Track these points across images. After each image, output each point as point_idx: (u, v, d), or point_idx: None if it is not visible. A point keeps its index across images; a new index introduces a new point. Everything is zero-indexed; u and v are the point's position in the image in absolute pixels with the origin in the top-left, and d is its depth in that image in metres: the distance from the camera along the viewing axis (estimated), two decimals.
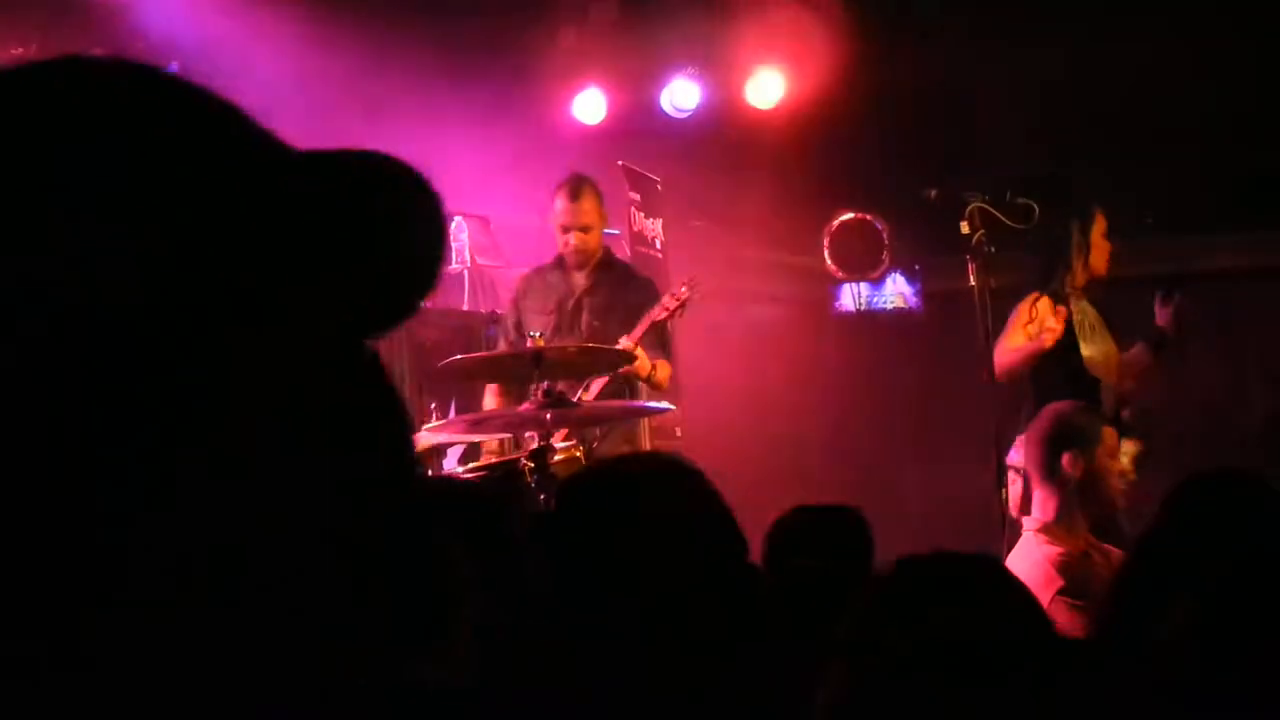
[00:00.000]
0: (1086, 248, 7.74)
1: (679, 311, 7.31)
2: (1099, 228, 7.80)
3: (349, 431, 0.94)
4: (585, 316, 7.53)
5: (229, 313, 0.91)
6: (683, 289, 7.32)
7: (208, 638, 0.88)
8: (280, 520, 0.90)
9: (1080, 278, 7.74)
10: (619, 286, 7.68)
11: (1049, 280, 7.65)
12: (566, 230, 7.60)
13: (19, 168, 0.90)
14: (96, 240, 0.89)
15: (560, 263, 7.74)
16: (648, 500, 2.68)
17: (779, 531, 4.62)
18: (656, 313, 7.24)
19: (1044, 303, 7.56)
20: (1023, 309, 7.60)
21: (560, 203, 7.64)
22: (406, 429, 1.01)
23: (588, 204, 7.64)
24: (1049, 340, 7.44)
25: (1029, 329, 7.54)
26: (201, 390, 0.89)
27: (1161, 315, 7.93)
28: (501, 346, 7.59)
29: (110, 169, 0.92)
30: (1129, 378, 7.82)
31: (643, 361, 7.11)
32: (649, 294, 7.66)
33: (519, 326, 7.62)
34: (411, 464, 1.00)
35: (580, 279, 7.67)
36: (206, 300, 0.91)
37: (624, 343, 7.09)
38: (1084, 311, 7.74)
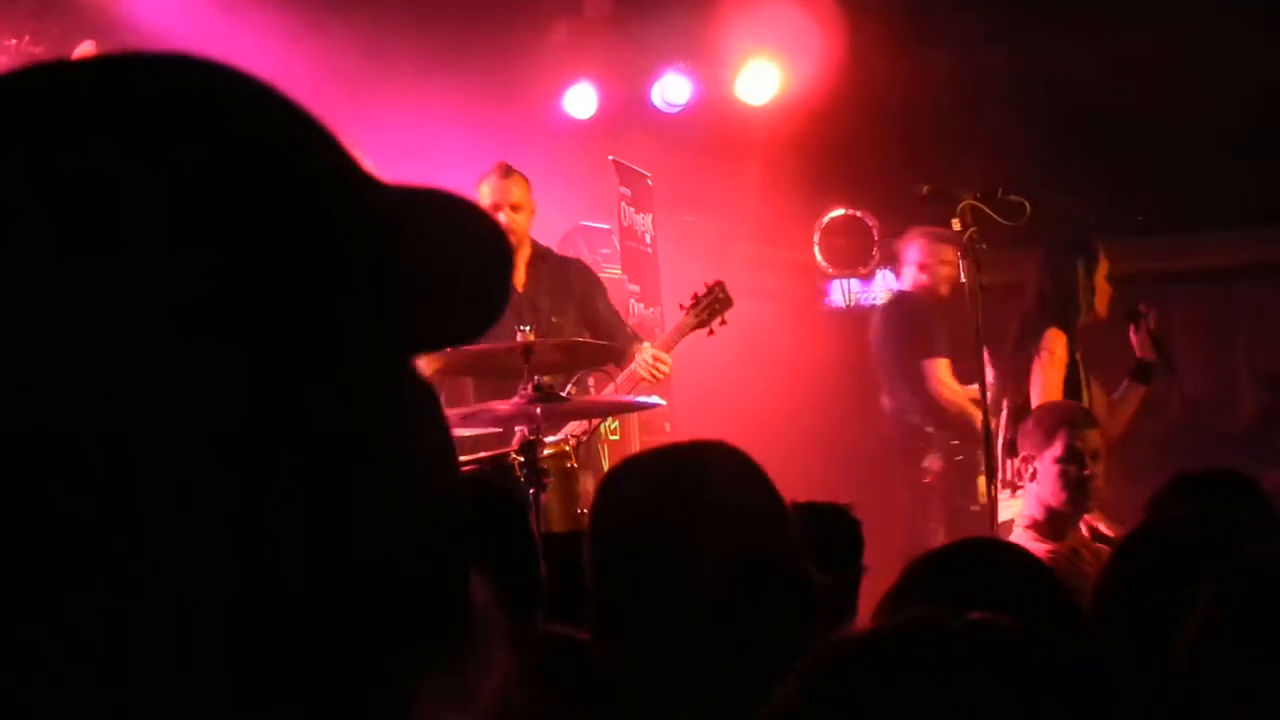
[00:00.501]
0: (1091, 291, 7.77)
1: (711, 313, 7.21)
2: (1102, 270, 7.82)
3: (408, 475, 0.94)
4: (541, 316, 7.34)
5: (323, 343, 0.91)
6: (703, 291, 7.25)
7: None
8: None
9: (1085, 317, 7.78)
10: (560, 278, 7.63)
11: (1064, 318, 7.69)
12: (496, 209, 7.32)
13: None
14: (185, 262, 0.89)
15: None
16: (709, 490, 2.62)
17: None
18: (688, 320, 7.19)
19: (1064, 341, 7.64)
20: (1058, 349, 7.63)
21: (490, 182, 7.52)
22: (455, 472, 1.01)
23: (517, 184, 7.54)
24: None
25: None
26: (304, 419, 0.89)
27: (1138, 344, 7.94)
28: None
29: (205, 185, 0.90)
30: (1120, 422, 7.81)
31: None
32: (589, 277, 7.74)
33: None
34: (458, 505, 1.00)
35: (519, 278, 7.50)
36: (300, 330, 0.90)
37: (650, 354, 7.07)
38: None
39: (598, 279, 7.86)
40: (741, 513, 2.59)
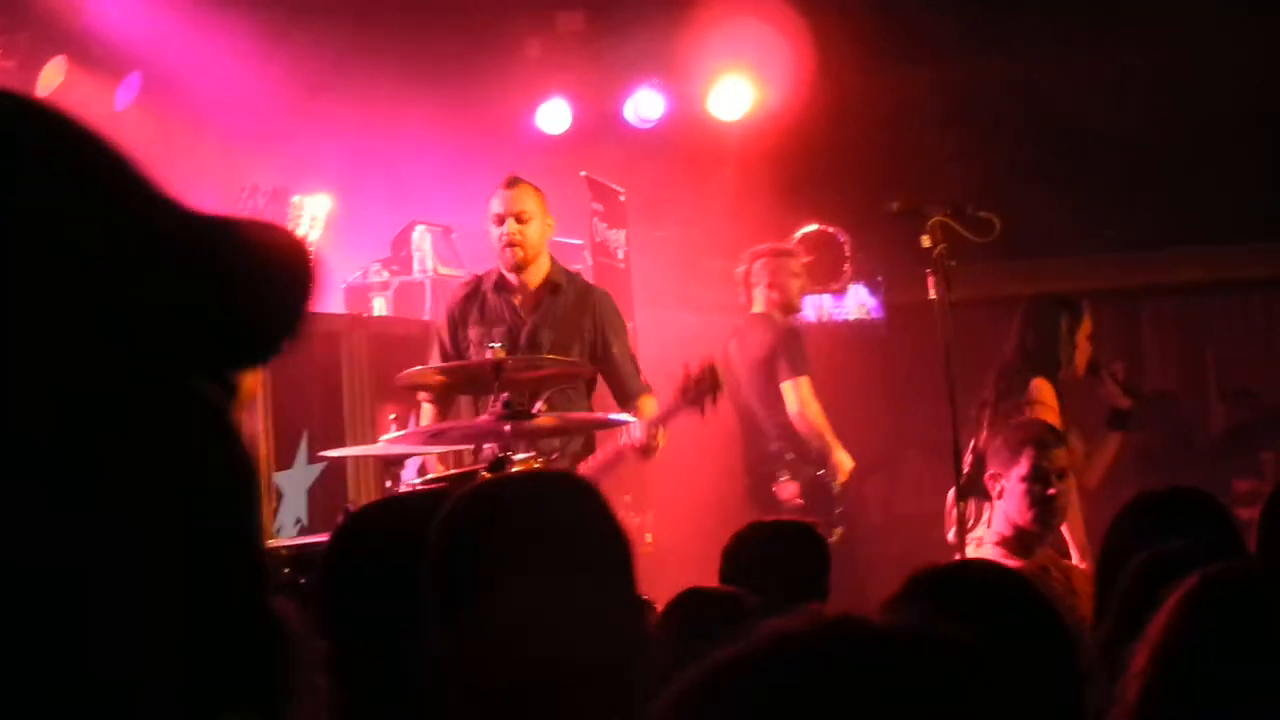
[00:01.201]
0: (1073, 347, 7.79)
1: (700, 396, 6.99)
2: (1085, 329, 7.84)
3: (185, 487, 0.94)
4: (539, 351, 7.14)
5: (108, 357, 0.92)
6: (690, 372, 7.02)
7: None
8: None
9: (1062, 373, 7.79)
10: (573, 311, 7.35)
11: (1046, 369, 7.71)
12: (502, 221, 7.19)
13: None
14: None
15: (500, 285, 7.36)
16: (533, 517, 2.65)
17: (737, 548, 4.62)
18: (679, 402, 6.94)
19: (1052, 390, 7.66)
20: (1049, 399, 7.65)
21: (497, 193, 7.26)
22: (250, 490, 1.01)
23: (524, 193, 7.26)
24: None
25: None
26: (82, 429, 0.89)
27: (1108, 394, 7.96)
28: (435, 361, 7.30)
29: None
30: (1099, 469, 7.83)
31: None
32: (610, 315, 7.42)
33: (457, 344, 7.34)
34: (247, 521, 1.00)
35: (526, 302, 7.33)
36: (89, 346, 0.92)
37: (640, 431, 6.92)
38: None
39: (619, 319, 7.51)
40: (576, 542, 2.63)
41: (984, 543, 6.35)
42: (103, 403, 0.91)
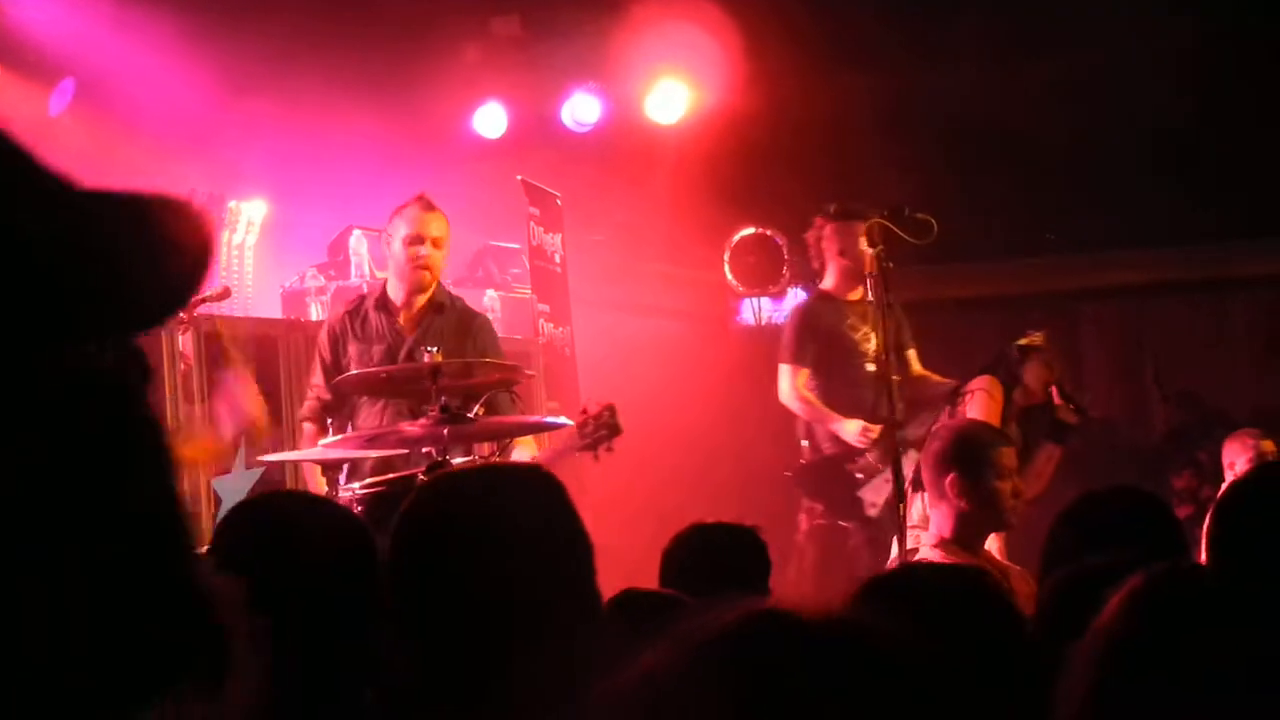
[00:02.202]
0: (1024, 362, 7.82)
1: (597, 439, 6.87)
2: (1042, 354, 7.89)
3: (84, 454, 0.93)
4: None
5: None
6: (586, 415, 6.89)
7: None
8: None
9: (1021, 396, 7.82)
10: (455, 334, 7.18)
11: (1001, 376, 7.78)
12: (416, 242, 7.06)
13: None
14: None
15: (383, 304, 7.23)
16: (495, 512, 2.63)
17: (677, 550, 4.58)
18: (574, 442, 6.80)
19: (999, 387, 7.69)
20: (994, 391, 7.68)
21: (411, 213, 7.12)
22: (159, 458, 0.99)
23: (439, 220, 7.16)
24: None
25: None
26: None
27: (1055, 407, 7.97)
28: (317, 377, 7.21)
29: None
30: (1041, 481, 7.84)
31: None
32: (486, 337, 7.29)
33: (337, 361, 7.19)
34: (162, 495, 0.98)
35: (408, 320, 7.20)
36: None
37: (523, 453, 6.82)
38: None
39: (497, 349, 7.36)
40: (540, 536, 2.61)
41: (922, 543, 6.33)
42: None
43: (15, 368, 0.91)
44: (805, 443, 8.52)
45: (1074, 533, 3.99)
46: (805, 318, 8.58)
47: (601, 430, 6.73)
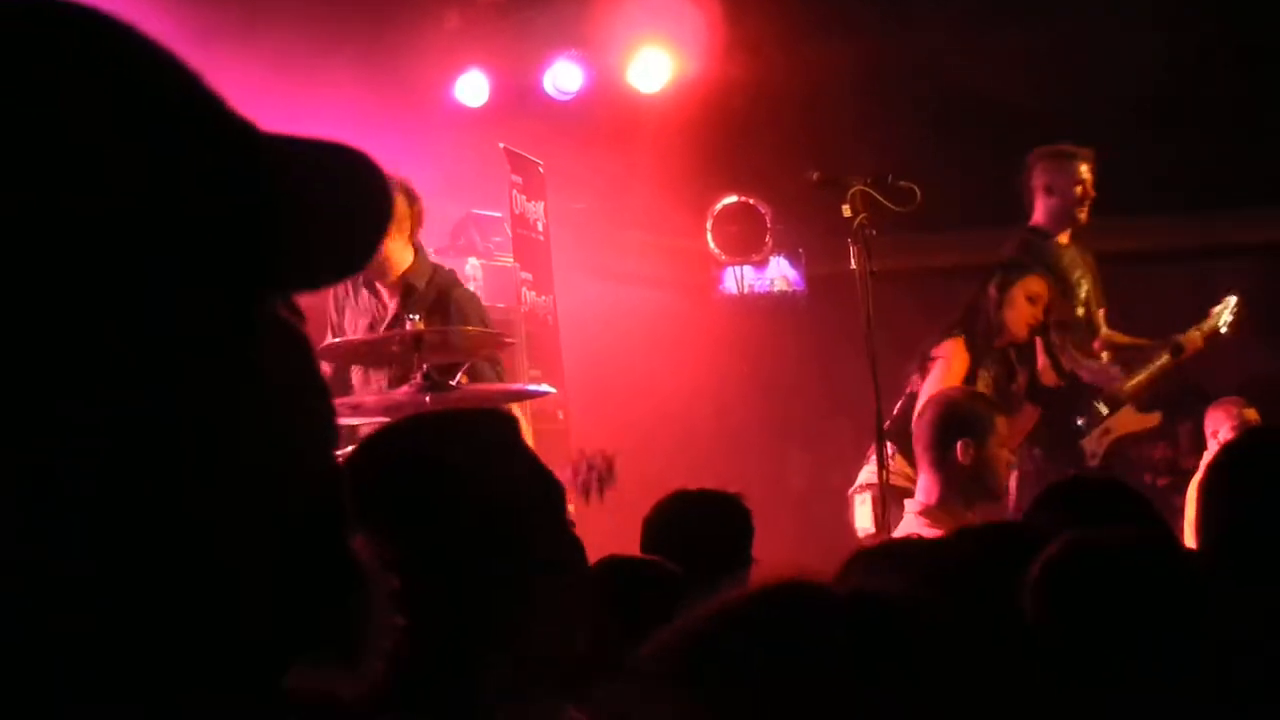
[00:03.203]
0: (1003, 311, 7.74)
1: (588, 491, 6.79)
2: (1026, 288, 7.79)
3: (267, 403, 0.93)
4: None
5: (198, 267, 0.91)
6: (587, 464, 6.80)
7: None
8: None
9: (998, 340, 7.75)
10: (436, 305, 7.14)
11: (970, 333, 7.69)
12: None
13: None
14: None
15: (366, 277, 7.19)
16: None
17: (658, 518, 4.57)
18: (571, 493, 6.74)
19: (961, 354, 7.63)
20: (954, 362, 7.62)
21: None
22: (329, 414, 0.99)
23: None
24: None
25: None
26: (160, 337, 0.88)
27: (1040, 365, 7.92)
28: (328, 338, 7.06)
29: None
30: (1015, 438, 7.78)
31: None
32: (468, 306, 7.23)
33: (341, 330, 7.21)
34: (326, 440, 0.98)
35: (391, 303, 7.18)
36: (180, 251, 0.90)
37: None
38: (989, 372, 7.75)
39: (476, 312, 7.28)
40: (503, 485, 2.50)
41: (906, 512, 6.34)
42: (170, 313, 0.90)
43: (231, 309, 0.92)
44: None
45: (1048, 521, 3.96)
46: (1032, 250, 8.37)
47: (596, 481, 6.72)
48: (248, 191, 0.94)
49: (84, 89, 0.91)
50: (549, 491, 2.52)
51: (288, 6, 9.05)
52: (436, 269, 7.42)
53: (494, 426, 2.60)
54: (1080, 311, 8.12)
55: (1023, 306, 7.77)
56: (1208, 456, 8.69)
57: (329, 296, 7.34)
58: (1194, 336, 8.37)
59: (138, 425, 0.86)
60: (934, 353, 7.70)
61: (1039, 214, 8.45)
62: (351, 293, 7.25)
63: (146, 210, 0.90)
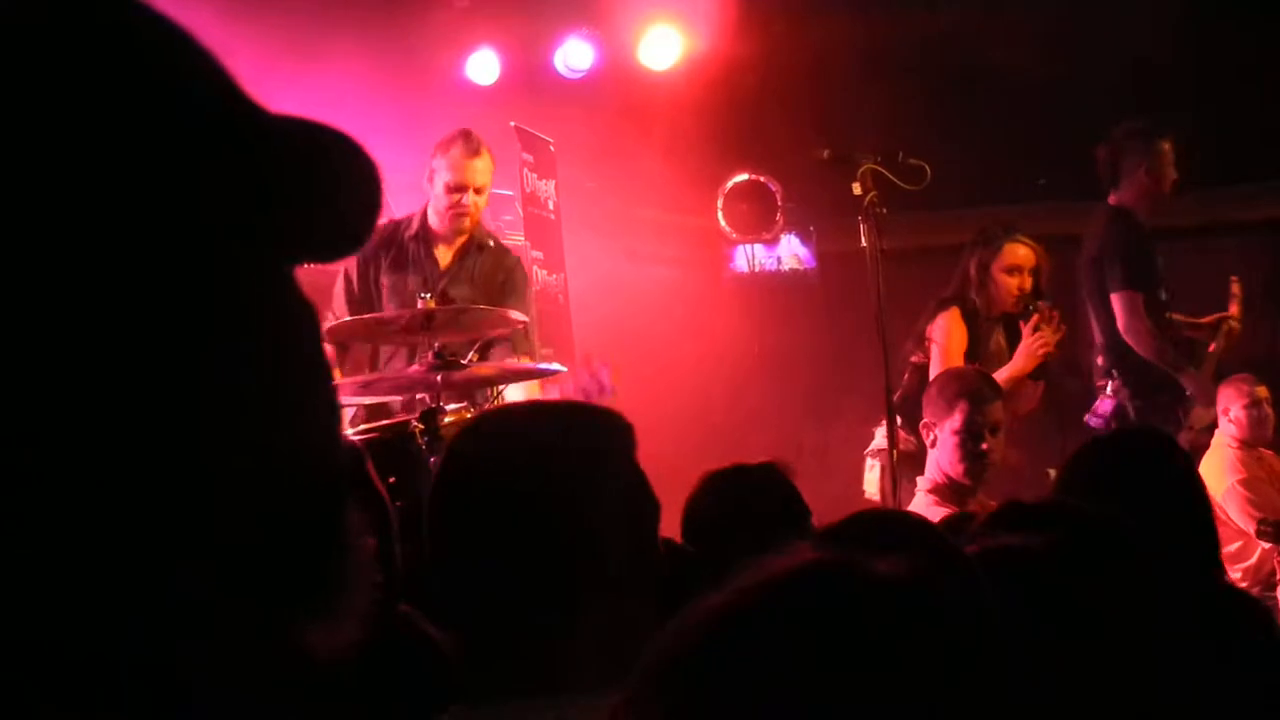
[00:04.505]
0: (984, 283, 7.68)
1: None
2: (1002, 262, 7.72)
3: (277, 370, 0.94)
4: (449, 303, 6.91)
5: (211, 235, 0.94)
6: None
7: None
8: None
9: (991, 308, 7.71)
10: (488, 275, 7.24)
11: (963, 306, 7.66)
12: (459, 189, 7.05)
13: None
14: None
15: (423, 234, 7.21)
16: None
17: (698, 502, 4.30)
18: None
19: (958, 328, 7.59)
20: (950, 341, 7.58)
21: (454, 155, 7.06)
22: (330, 385, 1.01)
23: (486, 163, 7.14)
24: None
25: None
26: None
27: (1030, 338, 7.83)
28: (340, 303, 7.20)
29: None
30: (1029, 403, 7.74)
31: None
32: (517, 274, 7.32)
33: (367, 289, 7.21)
34: (334, 414, 1.00)
35: (446, 257, 7.20)
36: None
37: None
38: (992, 337, 7.72)
39: (521, 286, 7.35)
40: (620, 484, 2.48)
41: (917, 489, 6.36)
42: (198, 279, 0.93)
43: (247, 277, 0.95)
44: (1108, 385, 7.88)
45: (1085, 480, 3.91)
46: (1129, 233, 8.16)
47: (597, 390, 6.67)
48: (258, 166, 0.96)
49: (108, 71, 0.93)
50: (646, 507, 2.53)
51: None
52: (493, 234, 7.50)
53: (610, 430, 2.59)
54: (1164, 295, 8.05)
55: (1003, 280, 7.71)
56: (1219, 436, 8.70)
57: (353, 265, 7.29)
58: (1234, 322, 8.33)
59: (149, 396, 0.87)
60: (929, 330, 7.68)
61: (1129, 193, 8.22)
62: (385, 255, 7.21)
63: (164, 184, 0.91)
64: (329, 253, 1.07)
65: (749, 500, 4.22)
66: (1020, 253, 7.72)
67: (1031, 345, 7.48)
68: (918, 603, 1.19)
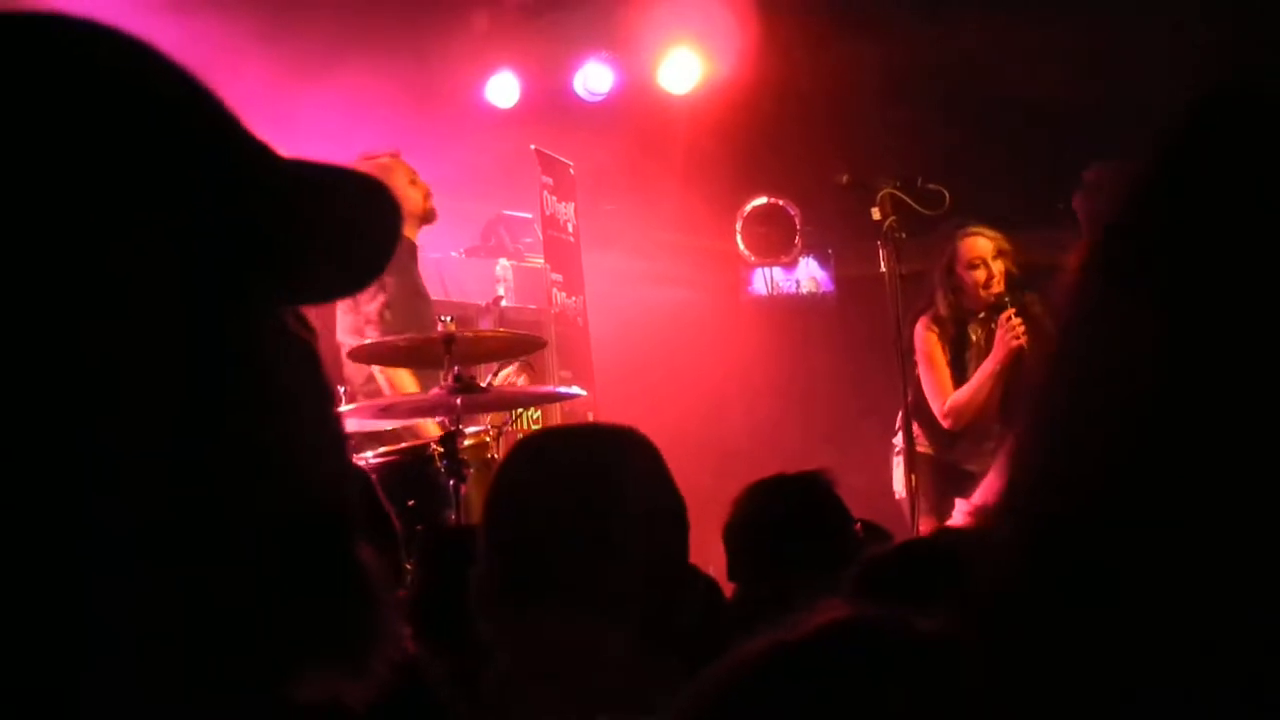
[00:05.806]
0: (952, 284, 7.60)
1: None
2: (961, 260, 7.64)
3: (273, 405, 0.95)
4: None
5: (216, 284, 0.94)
6: None
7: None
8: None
9: (965, 307, 7.65)
10: None
11: (934, 312, 7.63)
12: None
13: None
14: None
15: None
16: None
17: (740, 519, 4.23)
18: None
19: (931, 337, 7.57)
20: (927, 348, 7.57)
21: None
22: (339, 426, 1.02)
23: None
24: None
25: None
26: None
27: (1005, 330, 7.78)
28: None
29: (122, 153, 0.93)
30: (971, 405, 7.73)
31: None
32: None
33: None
34: (344, 456, 1.01)
35: None
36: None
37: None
38: (975, 335, 7.68)
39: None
40: (653, 510, 2.50)
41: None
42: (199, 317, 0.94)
43: (244, 325, 0.95)
44: None
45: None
46: None
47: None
48: (259, 207, 0.97)
49: (99, 112, 0.94)
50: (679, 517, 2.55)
51: (320, 9, 9.08)
52: None
53: (643, 451, 2.62)
54: None
55: (968, 277, 7.60)
56: None
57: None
58: None
59: (148, 430, 0.88)
60: (916, 346, 7.64)
61: None
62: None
63: (160, 223, 0.92)
64: (329, 297, 1.08)
65: (793, 510, 4.18)
66: (979, 245, 7.61)
67: (1003, 336, 7.45)
68: (957, 664, 1.17)
